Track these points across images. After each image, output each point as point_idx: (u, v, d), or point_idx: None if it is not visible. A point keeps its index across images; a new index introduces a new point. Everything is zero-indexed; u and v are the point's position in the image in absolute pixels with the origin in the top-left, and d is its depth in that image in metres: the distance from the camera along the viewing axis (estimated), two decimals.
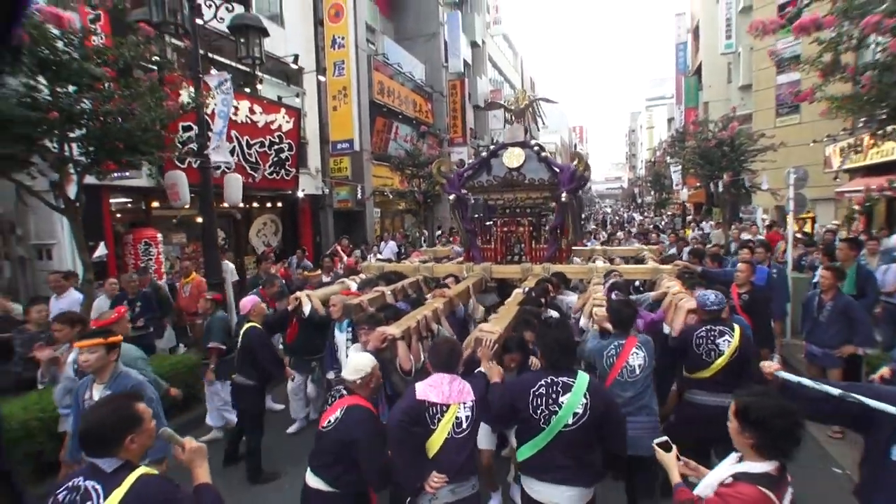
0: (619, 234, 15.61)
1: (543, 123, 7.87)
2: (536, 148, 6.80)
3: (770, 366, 2.27)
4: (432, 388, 2.57)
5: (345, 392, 2.73)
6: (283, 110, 10.62)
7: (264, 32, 6.85)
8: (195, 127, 6.72)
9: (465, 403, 2.56)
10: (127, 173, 6.41)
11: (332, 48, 12.88)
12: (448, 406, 2.52)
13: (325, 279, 7.46)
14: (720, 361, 3.34)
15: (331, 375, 4.57)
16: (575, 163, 6.44)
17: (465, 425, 2.54)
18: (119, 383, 2.84)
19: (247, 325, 4.43)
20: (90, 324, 4.11)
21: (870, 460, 2.09)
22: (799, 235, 11.74)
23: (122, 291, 6.20)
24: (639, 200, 48.82)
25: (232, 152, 8.70)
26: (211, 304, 5.18)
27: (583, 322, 4.31)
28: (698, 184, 19.28)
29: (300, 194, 11.53)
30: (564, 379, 2.57)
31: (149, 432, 1.91)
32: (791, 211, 8.09)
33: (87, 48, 4.14)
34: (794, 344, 6.67)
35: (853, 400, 1.98)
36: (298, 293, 5.00)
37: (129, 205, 8.78)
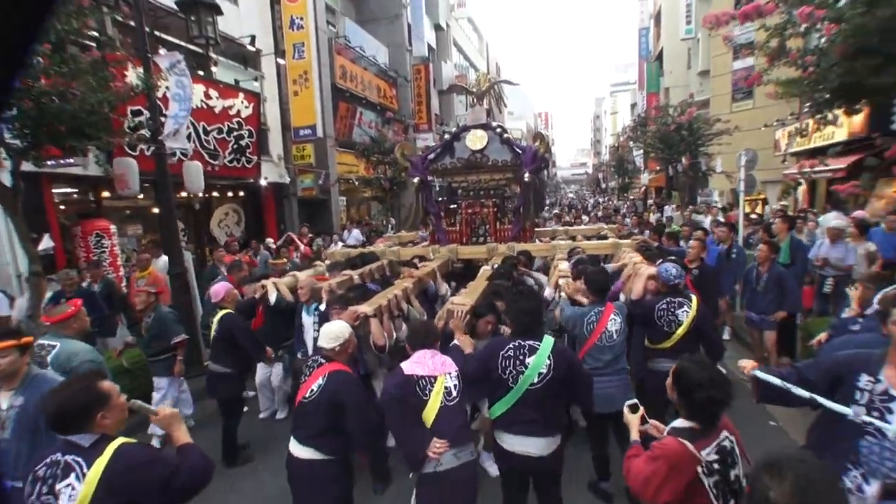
0: (585, 218, 15.96)
1: (505, 105, 8.07)
2: (499, 130, 6.90)
3: (746, 364, 2.38)
4: (418, 364, 2.70)
5: (323, 360, 2.84)
6: (241, 95, 10.28)
7: (217, 10, 6.64)
8: (145, 111, 6.46)
9: (450, 374, 2.72)
10: (71, 160, 6.10)
11: (290, 29, 12.50)
12: (435, 377, 2.66)
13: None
14: (680, 331, 3.62)
15: (299, 356, 4.67)
16: (537, 143, 6.59)
17: (454, 393, 2.69)
18: (34, 388, 2.56)
19: (222, 313, 4.40)
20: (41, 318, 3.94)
21: (822, 425, 2.30)
22: (753, 216, 12.31)
23: (60, 290, 5.75)
24: (603, 185, 49.84)
25: (188, 139, 8.41)
26: (153, 297, 4.91)
27: (547, 293, 4.51)
28: (658, 167, 19.85)
29: (263, 182, 11.24)
30: (531, 343, 2.79)
31: (119, 407, 1.93)
32: (742, 192, 8.47)
33: None
34: (741, 315, 7.06)
35: (818, 402, 2.16)
36: (264, 280, 5.00)
37: (76, 195, 8.37)
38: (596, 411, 3.27)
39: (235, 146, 10.24)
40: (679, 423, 2.10)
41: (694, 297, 3.76)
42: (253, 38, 10.97)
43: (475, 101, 7.26)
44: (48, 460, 1.79)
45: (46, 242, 6.67)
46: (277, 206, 12.63)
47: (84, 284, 6.17)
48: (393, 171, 13.44)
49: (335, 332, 2.91)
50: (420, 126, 20.94)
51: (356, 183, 14.36)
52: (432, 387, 2.64)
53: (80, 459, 1.76)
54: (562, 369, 2.76)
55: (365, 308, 3.60)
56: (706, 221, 11.09)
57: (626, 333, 3.59)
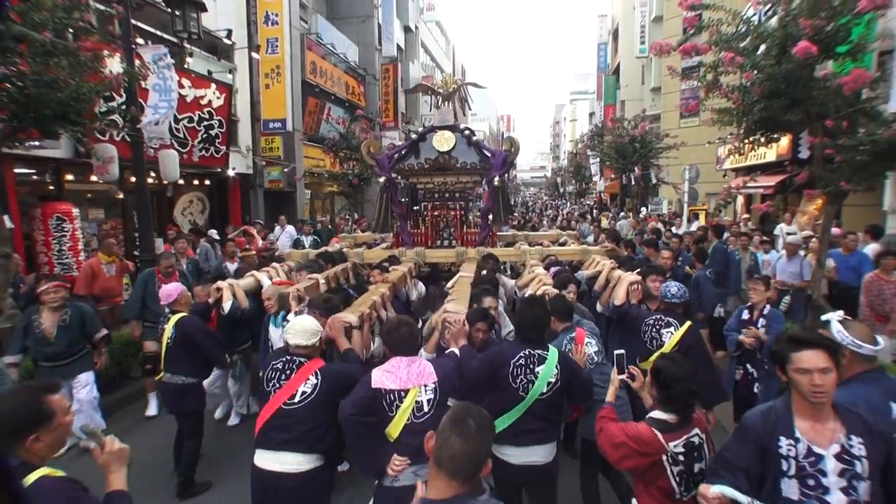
0: (533, 219, 16.63)
1: (470, 108, 7.73)
2: (467, 132, 6.76)
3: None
4: (389, 374, 2.50)
5: (303, 360, 2.67)
6: (213, 86, 10.29)
7: (202, 7, 6.75)
8: (117, 97, 6.48)
9: (426, 386, 2.50)
10: (43, 142, 6.09)
11: (265, 24, 12.56)
12: (407, 391, 2.46)
13: (230, 266, 7.05)
14: (657, 355, 3.32)
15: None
16: (508, 147, 6.58)
17: (426, 408, 2.47)
18: None
19: (177, 317, 3.90)
20: None
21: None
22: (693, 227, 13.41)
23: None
24: (561, 189, 51.46)
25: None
26: (66, 292, 4.56)
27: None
28: (613, 175, 21.00)
29: (230, 173, 11.28)
30: (540, 352, 2.76)
31: (62, 428, 1.65)
32: (686, 203, 9.37)
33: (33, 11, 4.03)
34: None
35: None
36: (220, 283, 4.51)
37: (35, 176, 8.18)
38: (591, 439, 3.03)
39: (205, 136, 10.24)
40: (656, 413, 2.24)
41: (687, 324, 3.62)
42: (229, 32, 11.00)
43: (442, 101, 7.06)
44: None
45: (6, 223, 6.59)
46: (243, 197, 12.63)
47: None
48: (361, 166, 13.70)
49: (310, 327, 2.75)
50: (386, 124, 21.22)
51: (326, 176, 14.51)
52: (401, 402, 2.45)
53: None
54: (567, 377, 2.75)
55: (350, 317, 3.34)
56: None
57: (603, 351, 3.37)
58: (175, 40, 9.00)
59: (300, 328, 2.73)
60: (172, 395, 3.93)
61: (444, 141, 6.50)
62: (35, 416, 1.59)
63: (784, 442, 1.82)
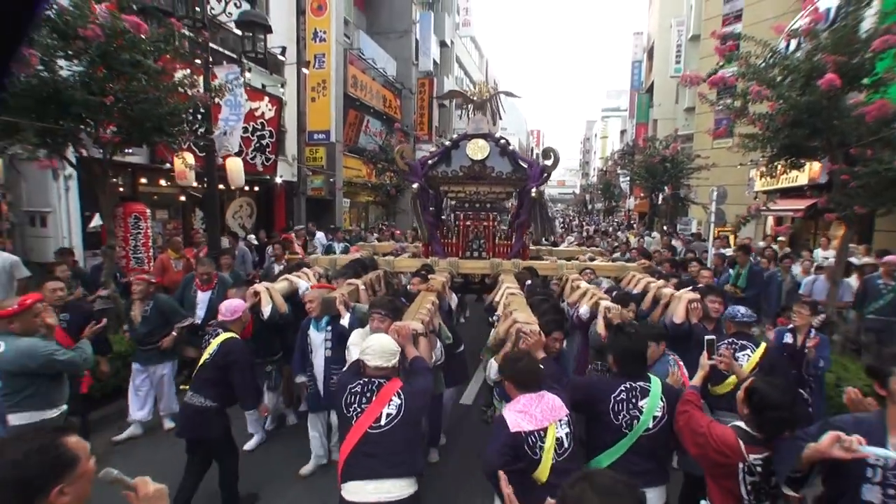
0: (570, 238, 16.93)
1: (500, 118, 7.71)
2: (502, 142, 6.66)
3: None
4: (523, 415, 2.35)
5: (383, 381, 2.60)
6: (266, 98, 11.23)
7: (268, 30, 7.57)
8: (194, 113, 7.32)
9: (560, 420, 2.38)
10: (130, 150, 6.97)
11: (313, 41, 13.52)
12: (545, 429, 2.33)
13: (277, 267, 7.06)
14: (733, 379, 3.25)
15: (301, 379, 4.29)
16: (550, 160, 6.48)
17: (565, 444, 2.36)
18: None
19: (226, 336, 3.59)
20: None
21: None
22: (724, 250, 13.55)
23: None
24: (589, 207, 51.48)
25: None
26: (152, 286, 4.83)
27: (583, 310, 4.33)
28: (643, 194, 21.26)
29: (278, 180, 12.14)
30: (642, 384, 2.60)
31: (86, 476, 1.37)
32: (713, 223, 9.69)
33: (139, 41, 4.83)
34: None
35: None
36: (257, 286, 4.47)
37: (113, 179, 9.15)
38: (692, 472, 2.99)
39: (257, 145, 11.16)
40: (742, 424, 2.21)
41: (763, 345, 3.48)
42: (284, 49, 11.94)
43: (474, 110, 7.00)
44: None
45: (96, 221, 7.50)
46: (288, 203, 13.50)
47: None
48: (398, 178, 14.45)
49: (390, 347, 2.67)
50: (421, 136, 22.06)
51: (369, 185, 15.30)
52: (543, 442, 2.30)
53: None
54: (675, 410, 2.53)
55: (417, 325, 3.24)
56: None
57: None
58: (234, 56, 9.93)
59: (380, 349, 2.62)
60: (189, 416, 3.54)
61: (477, 149, 6.44)
62: (55, 465, 1.29)
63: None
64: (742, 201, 15.96)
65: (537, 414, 2.35)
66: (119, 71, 4.67)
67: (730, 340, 3.53)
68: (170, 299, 5.15)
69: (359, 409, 2.55)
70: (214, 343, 3.57)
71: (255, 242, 10.21)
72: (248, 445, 4.63)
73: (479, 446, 4.17)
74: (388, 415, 2.52)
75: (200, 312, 5.49)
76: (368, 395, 2.58)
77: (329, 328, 3.98)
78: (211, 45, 6.56)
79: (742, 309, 3.68)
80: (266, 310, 4.25)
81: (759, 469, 2.11)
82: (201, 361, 3.59)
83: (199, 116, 5.99)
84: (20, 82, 4.24)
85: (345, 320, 3.90)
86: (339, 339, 3.81)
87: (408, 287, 5.29)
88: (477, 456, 3.71)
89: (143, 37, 4.81)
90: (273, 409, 4.86)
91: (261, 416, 4.19)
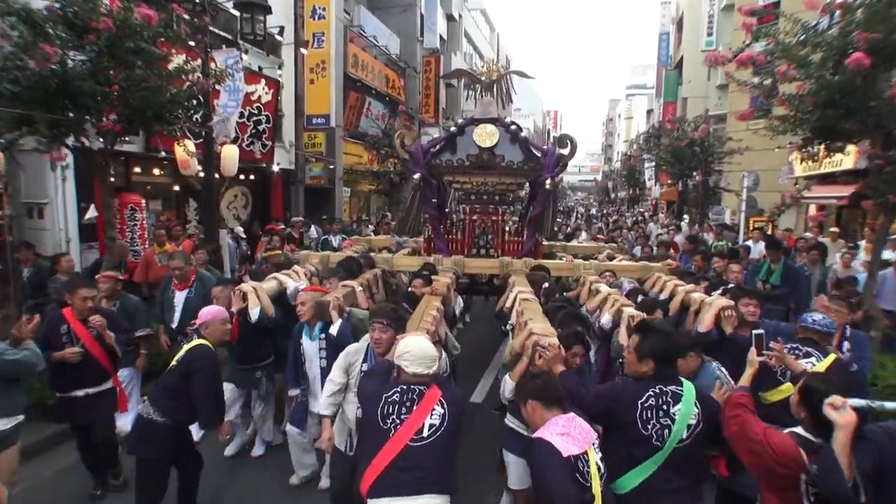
0: (582, 234, 16.81)
1: (511, 101, 7.64)
2: (513, 127, 6.53)
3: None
4: (566, 437, 2.32)
5: (423, 388, 2.63)
6: (263, 81, 11.68)
7: (268, 10, 7.99)
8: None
9: (594, 444, 2.39)
10: (130, 139, 7.41)
11: (312, 18, 13.96)
12: (586, 453, 2.31)
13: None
14: (788, 386, 3.20)
15: (294, 392, 4.26)
16: (566, 148, 6.40)
17: (602, 469, 2.35)
18: None
19: (195, 342, 3.52)
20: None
21: None
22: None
23: None
24: (612, 195, 51.63)
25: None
26: (119, 284, 4.88)
27: (604, 320, 4.35)
28: (670, 181, 21.50)
29: (275, 168, 12.59)
30: (673, 388, 2.53)
31: None
32: (744, 212, 10.00)
33: (143, 28, 5.26)
34: None
35: None
36: (244, 286, 4.48)
37: (112, 169, 9.63)
38: (731, 488, 3.06)
39: (253, 130, 11.62)
40: (801, 430, 2.23)
41: (831, 356, 3.40)
42: (281, 28, 12.36)
43: (482, 91, 6.85)
44: None
45: (92, 212, 7.97)
46: (285, 193, 13.96)
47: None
48: (402, 165, 14.83)
49: (431, 353, 2.67)
50: (427, 119, 22.41)
51: (371, 172, 15.69)
52: (588, 467, 2.28)
53: None
54: (710, 418, 2.52)
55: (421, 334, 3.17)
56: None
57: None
58: (230, 37, 10.36)
59: (420, 354, 2.63)
60: (137, 427, 3.49)
61: (486, 136, 6.30)
62: None
63: None
64: (779, 188, 16.22)
65: (578, 436, 2.34)
66: (122, 59, 5.10)
67: (794, 346, 3.49)
68: (139, 302, 5.13)
69: (398, 421, 2.55)
70: (183, 349, 3.57)
71: (243, 235, 10.46)
72: (230, 450, 4.84)
73: (489, 442, 4.61)
74: (432, 425, 2.54)
75: (177, 315, 5.31)
76: (409, 404, 2.58)
77: (324, 336, 3.97)
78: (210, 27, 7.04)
79: (817, 315, 3.63)
80: (254, 312, 4.27)
81: None
82: (168, 367, 3.61)
83: (196, 103, 6.38)
84: (34, 75, 4.69)
85: (335, 327, 3.84)
86: (336, 349, 3.71)
87: (408, 289, 5.25)
88: (491, 454, 4.14)
89: (147, 24, 5.23)
90: (262, 419, 4.85)
91: (222, 438, 3.99)
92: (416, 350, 2.64)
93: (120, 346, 4.18)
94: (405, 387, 2.63)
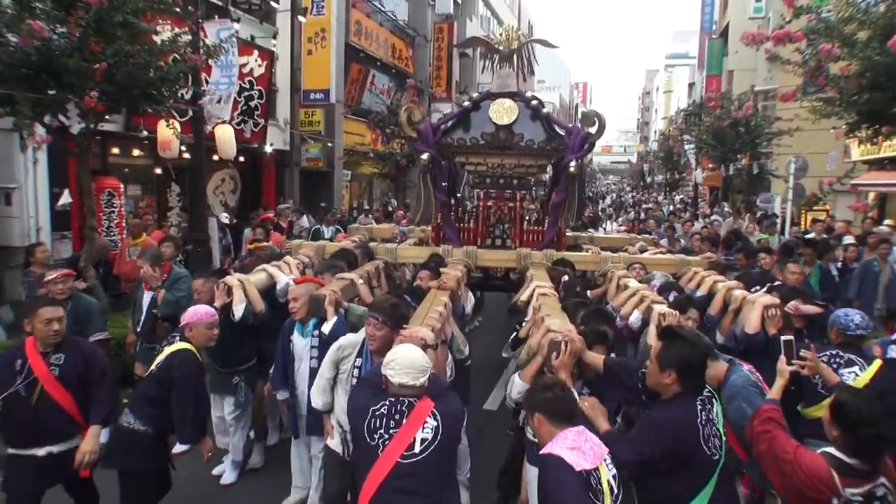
0: (609, 225, 16.54)
1: (532, 73, 7.47)
2: (535, 102, 6.40)
3: None
4: (577, 451, 2.34)
5: (413, 400, 2.63)
6: (255, 52, 11.73)
7: None
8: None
9: (605, 460, 2.41)
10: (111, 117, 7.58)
11: None
12: (598, 469, 2.33)
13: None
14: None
15: (283, 396, 4.21)
16: (593, 127, 6.24)
17: (615, 488, 2.37)
18: None
19: (176, 347, 3.48)
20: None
21: None
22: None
23: None
24: (648, 179, 51.10)
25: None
26: (70, 282, 4.76)
27: (633, 318, 4.37)
28: (712, 165, 21.32)
29: (268, 149, 12.70)
30: (706, 395, 2.65)
31: None
32: (791, 200, 9.94)
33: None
34: None
35: None
36: (229, 279, 4.33)
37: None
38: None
39: (245, 107, 11.70)
40: (833, 451, 2.23)
41: (877, 363, 3.34)
42: None
43: (501, 62, 6.72)
44: None
45: (66, 198, 8.14)
46: (278, 176, 14.06)
47: None
48: (409, 145, 14.86)
49: (420, 363, 2.65)
50: (437, 94, 22.32)
51: (372, 156, 15.74)
52: (600, 484, 2.31)
53: None
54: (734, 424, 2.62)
55: (427, 333, 3.21)
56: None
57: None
58: (220, 3, 10.45)
59: (408, 364, 2.62)
60: (117, 437, 3.46)
61: (503, 112, 6.16)
62: None
63: None
64: (835, 173, 16.00)
65: (589, 451, 2.34)
66: (108, 34, 5.25)
67: (833, 352, 3.40)
68: (92, 303, 5.03)
69: (386, 436, 2.56)
70: (164, 353, 3.50)
71: (227, 222, 10.49)
72: (218, 470, 4.71)
73: (501, 456, 4.59)
74: (423, 440, 2.54)
75: (143, 317, 5.18)
76: (397, 417, 2.58)
77: (316, 334, 3.92)
78: None
79: (857, 317, 3.50)
80: (238, 309, 4.16)
81: None
82: (148, 373, 3.55)
83: (186, 80, 6.52)
84: (17, 51, 4.85)
85: (328, 325, 3.81)
86: (328, 348, 3.70)
87: (414, 283, 5.23)
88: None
89: None
90: (235, 430, 4.64)
91: (203, 456, 3.79)
92: (402, 359, 2.63)
93: (105, 397, 3.54)
94: (393, 399, 2.63)
